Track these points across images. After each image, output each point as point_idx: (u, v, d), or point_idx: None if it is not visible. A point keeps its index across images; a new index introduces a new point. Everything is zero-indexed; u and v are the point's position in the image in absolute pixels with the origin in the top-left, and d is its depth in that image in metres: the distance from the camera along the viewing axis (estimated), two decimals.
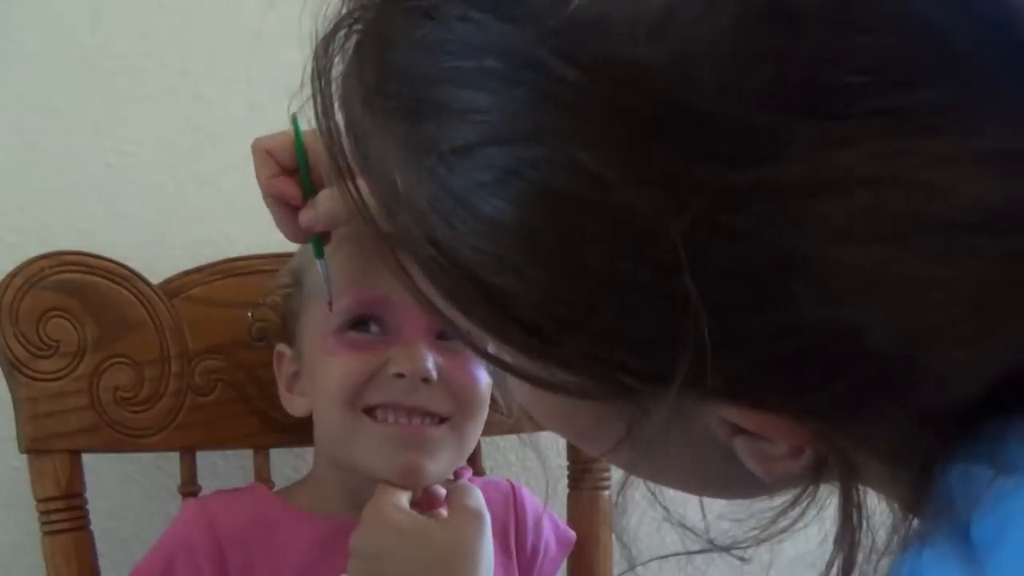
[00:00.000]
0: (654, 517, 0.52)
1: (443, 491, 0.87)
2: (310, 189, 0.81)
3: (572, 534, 1.02)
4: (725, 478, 0.49)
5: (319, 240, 0.84)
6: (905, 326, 0.40)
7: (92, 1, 1.04)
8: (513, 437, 1.14)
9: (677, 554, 0.51)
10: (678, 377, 0.41)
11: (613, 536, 0.52)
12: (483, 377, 0.89)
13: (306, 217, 0.82)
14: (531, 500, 0.99)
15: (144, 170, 1.06)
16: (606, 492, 1.07)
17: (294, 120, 0.81)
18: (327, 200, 0.81)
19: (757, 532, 0.48)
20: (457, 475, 0.94)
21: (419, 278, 0.46)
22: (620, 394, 0.43)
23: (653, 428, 0.45)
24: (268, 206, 0.85)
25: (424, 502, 0.85)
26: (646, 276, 0.40)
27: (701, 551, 0.50)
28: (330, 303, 0.84)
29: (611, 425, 0.46)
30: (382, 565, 0.80)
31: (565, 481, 1.08)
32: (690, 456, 0.48)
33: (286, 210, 0.83)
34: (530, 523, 0.97)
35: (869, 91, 0.38)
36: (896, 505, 0.45)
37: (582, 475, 1.07)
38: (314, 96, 0.48)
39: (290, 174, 0.82)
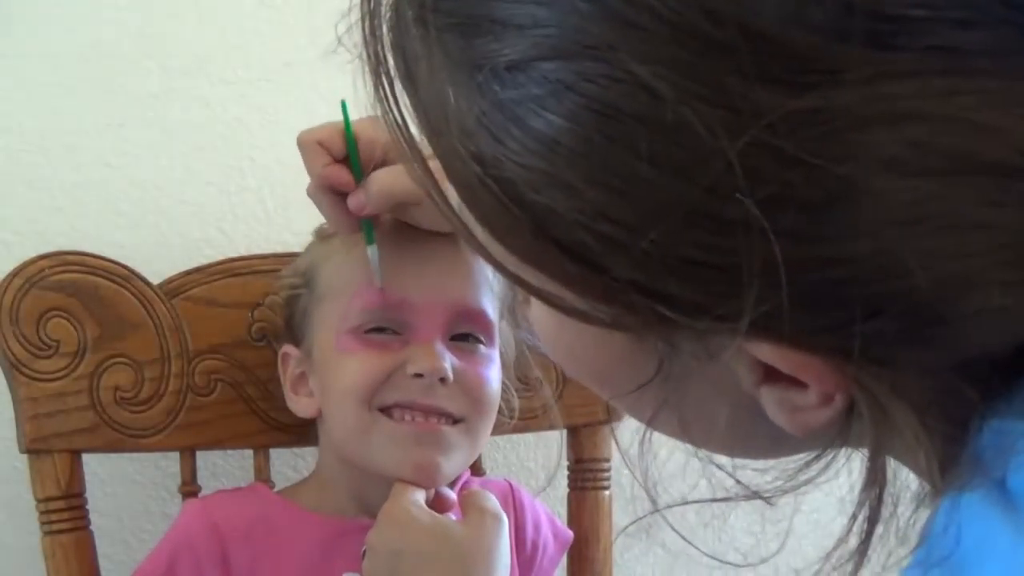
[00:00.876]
0: (677, 461, 0.51)
1: (453, 495, 0.88)
2: (360, 174, 0.83)
3: (569, 533, 1.02)
4: (745, 433, 0.48)
5: (370, 226, 0.85)
6: (947, 266, 0.39)
7: (92, 1, 1.04)
8: (513, 437, 1.14)
9: (699, 501, 0.51)
10: (719, 308, 0.40)
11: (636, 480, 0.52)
12: (495, 378, 0.90)
13: (356, 200, 0.83)
14: (529, 499, 1.00)
15: (144, 170, 1.06)
16: (606, 492, 1.07)
17: (343, 107, 0.83)
18: (378, 181, 0.83)
19: (781, 483, 0.48)
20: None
21: (455, 201, 0.45)
22: (654, 327, 0.43)
23: (679, 370, 0.45)
24: (315, 198, 0.86)
25: (435, 505, 0.85)
26: (697, 197, 0.39)
27: (722, 499, 0.50)
28: (382, 289, 0.85)
29: (636, 365, 0.46)
30: (401, 562, 0.81)
31: (565, 481, 1.08)
32: (711, 406, 0.47)
33: (336, 199, 0.84)
34: (529, 522, 0.98)
35: (929, 26, 0.38)
36: (923, 463, 0.44)
37: (582, 475, 1.07)
38: (363, 19, 0.47)
39: (341, 163, 0.83)
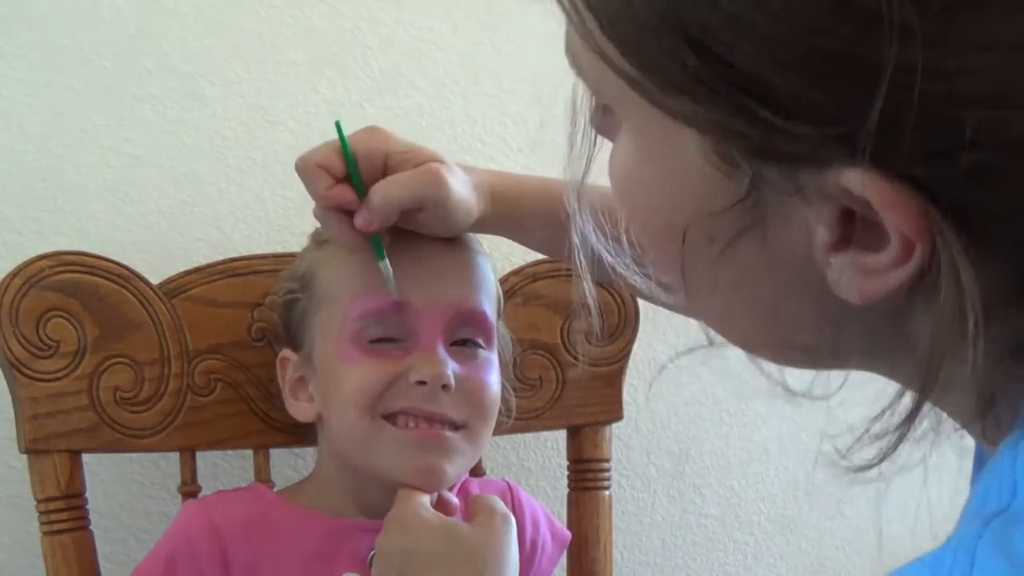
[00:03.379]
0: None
1: (456, 500, 0.88)
2: (362, 191, 0.83)
3: (567, 532, 1.02)
4: (796, 319, 0.47)
5: (379, 241, 0.85)
6: None
7: (92, 1, 1.04)
8: (513, 437, 1.14)
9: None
10: (831, 110, 0.40)
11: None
12: (495, 383, 0.90)
13: (362, 219, 0.83)
14: (528, 499, 1.00)
15: (144, 170, 1.06)
16: (606, 492, 1.07)
17: (338, 126, 0.83)
18: (378, 194, 0.83)
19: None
20: None
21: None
22: (752, 138, 0.43)
23: (757, 210, 0.45)
24: (322, 219, 0.86)
25: (439, 509, 0.86)
26: None
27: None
28: (398, 301, 0.85)
29: (714, 194, 0.45)
30: (412, 565, 0.81)
31: (565, 481, 1.08)
32: (773, 278, 0.46)
33: (344, 218, 0.84)
34: (528, 521, 0.98)
35: None
36: (969, 383, 0.43)
37: (582, 475, 1.07)
38: None
39: (342, 182, 0.83)
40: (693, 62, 0.42)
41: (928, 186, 0.41)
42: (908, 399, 0.45)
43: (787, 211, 0.44)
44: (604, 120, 0.53)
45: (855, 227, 0.43)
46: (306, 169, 0.83)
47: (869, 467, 0.46)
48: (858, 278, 0.44)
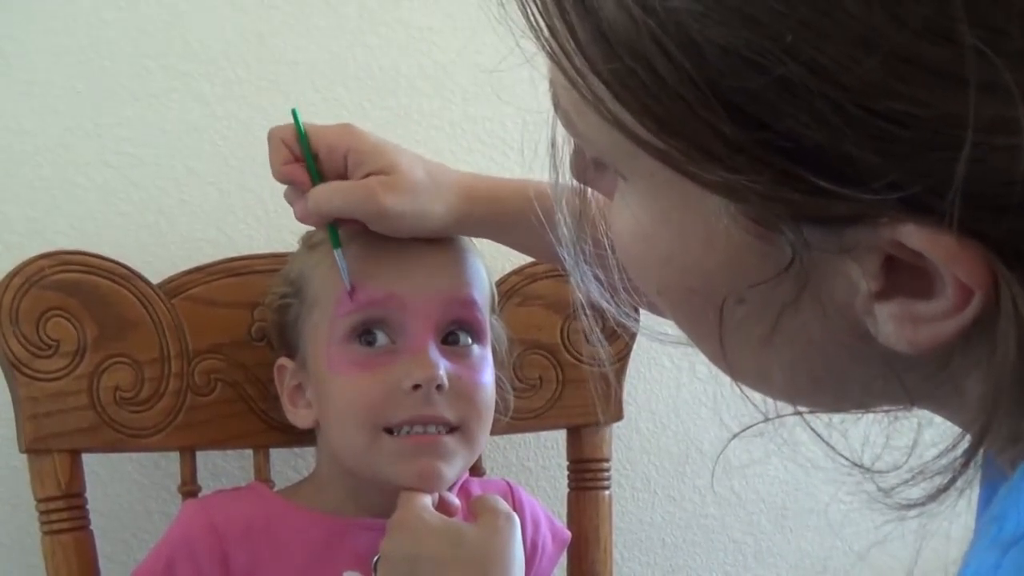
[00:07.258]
0: None
1: (457, 500, 0.88)
2: (317, 178, 0.86)
3: (567, 532, 1.02)
4: (839, 374, 0.45)
5: (335, 230, 0.86)
6: None
7: (92, 0, 1.04)
8: (513, 437, 1.14)
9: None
10: (892, 174, 0.37)
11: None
12: (489, 382, 0.90)
13: (299, 209, 0.87)
14: (528, 499, 1.00)
15: (144, 170, 1.06)
16: (606, 492, 1.07)
17: (294, 113, 0.86)
18: (314, 198, 0.85)
19: None
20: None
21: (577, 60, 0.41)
22: (798, 198, 0.39)
23: (804, 268, 0.41)
24: (285, 194, 0.89)
25: (440, 510, 0.86)
26: (904, 39, 0.36)
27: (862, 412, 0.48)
28: (351, 292, 0.86)
29: (748, 262, 0.42)
30: (418, 568, 0.81)
31: (565, 481, 1.08)
32: (818, 336, 0.43)
33: (299, 194, 0.87)
34: (528, 521, 0.97)
35: None
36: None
37: (582, 475, 1.07)
38: None
39: (301, 161, 0.87)
40: (732, 130, 0.38)
41: (993, 238, 0.38)
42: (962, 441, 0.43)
43: (831, 269, 0.41)
44: (595, 173, 0.50)
45: (900, 274, 0.40)
46: (271, 140, 0.88)
47: (914, 506, 0.44)
48: (908, 327, 0.41)
